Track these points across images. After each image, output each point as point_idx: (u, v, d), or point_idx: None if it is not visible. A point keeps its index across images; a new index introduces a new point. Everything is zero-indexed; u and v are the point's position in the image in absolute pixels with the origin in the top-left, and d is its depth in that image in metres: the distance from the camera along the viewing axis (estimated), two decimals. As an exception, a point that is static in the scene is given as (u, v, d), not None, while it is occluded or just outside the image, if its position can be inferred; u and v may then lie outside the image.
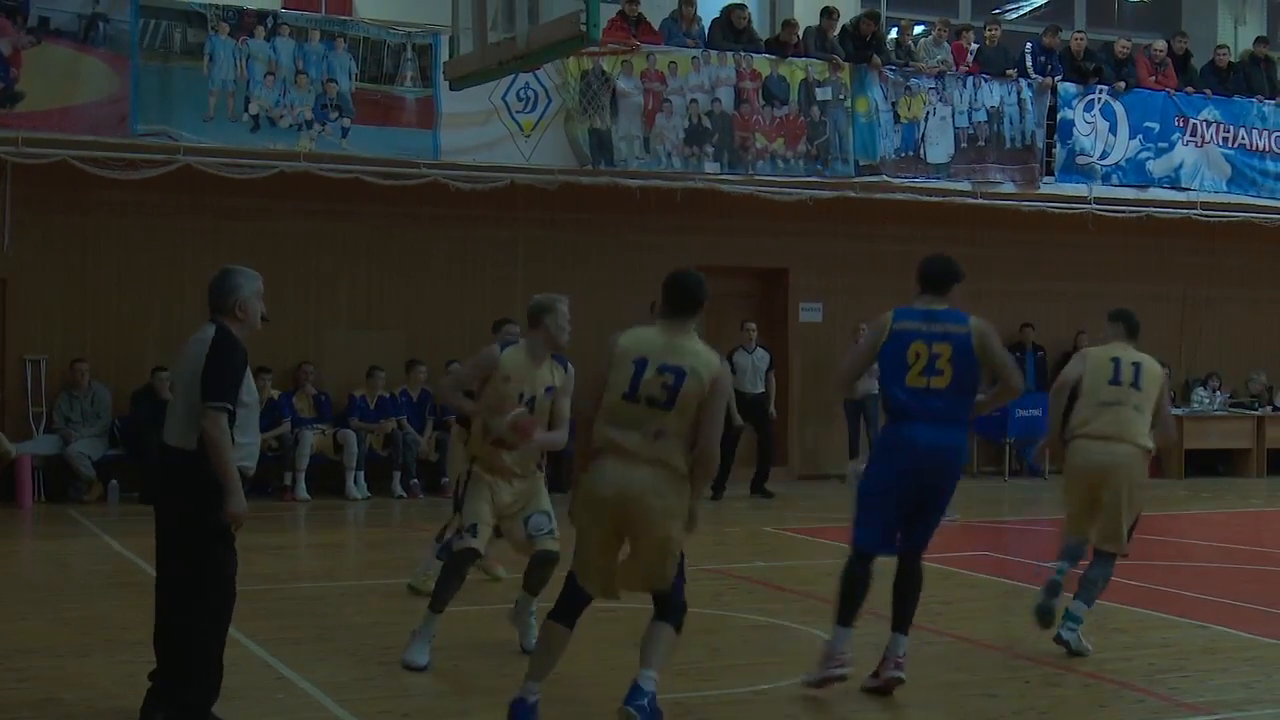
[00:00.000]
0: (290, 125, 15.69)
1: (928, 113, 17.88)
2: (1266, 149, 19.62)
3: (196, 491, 6.22)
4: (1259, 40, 21.13)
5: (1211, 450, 19.79)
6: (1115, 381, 8.72)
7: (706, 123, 17.09)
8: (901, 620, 7.50)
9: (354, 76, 15.94)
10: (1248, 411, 19.97)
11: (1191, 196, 19.18)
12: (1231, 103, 19.51)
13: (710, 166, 17.12)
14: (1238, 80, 19.91)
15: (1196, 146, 19.19)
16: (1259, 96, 19.72)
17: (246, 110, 15.51)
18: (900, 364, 7.57)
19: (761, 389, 16.83)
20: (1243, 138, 19.49)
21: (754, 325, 17.23)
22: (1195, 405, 19.68)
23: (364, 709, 6.89)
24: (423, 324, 16.96)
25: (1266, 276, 20.73)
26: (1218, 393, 19.89)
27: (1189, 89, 19.38)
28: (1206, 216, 19.29)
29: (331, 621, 9.26)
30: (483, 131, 16.26)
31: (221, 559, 6.36)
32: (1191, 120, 19.17)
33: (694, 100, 17.05)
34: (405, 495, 16.16)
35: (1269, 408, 20.08)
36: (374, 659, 8.00)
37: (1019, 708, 7.24)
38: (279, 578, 11.06)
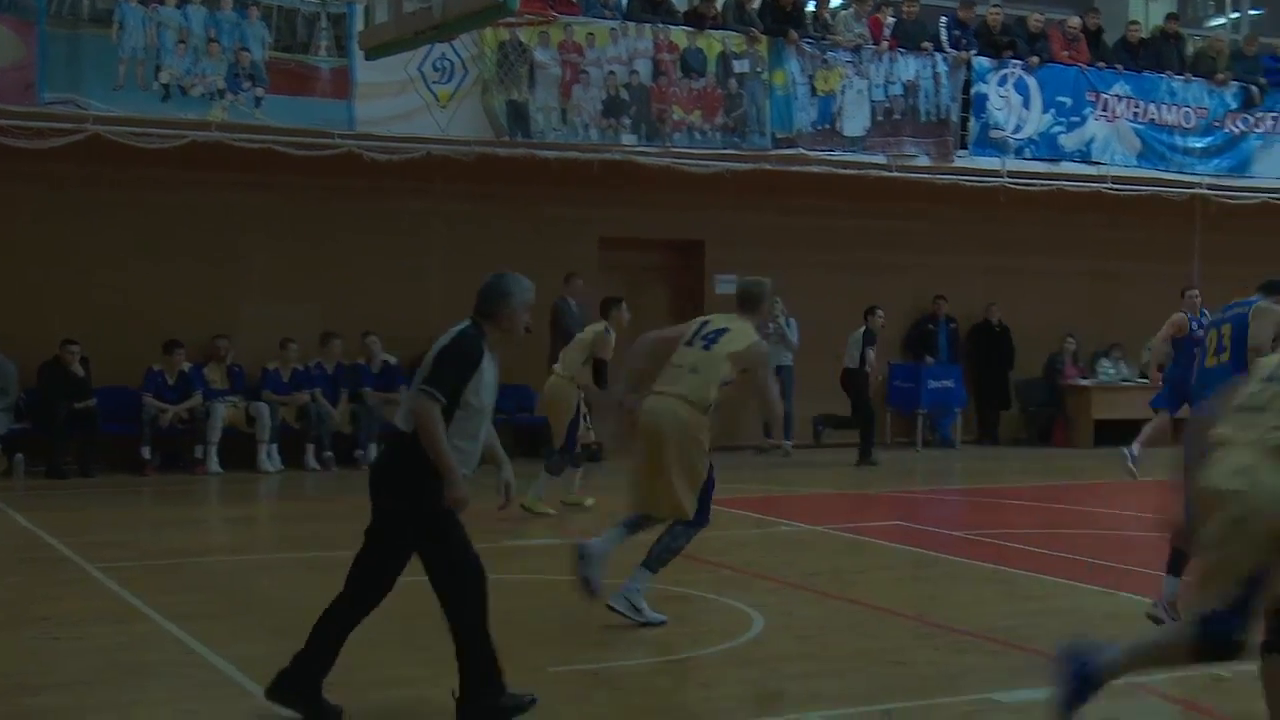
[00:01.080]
0: (202, 94, 15.49)
1: (844, 86, 17.97)
2: (1176, 124, 19.89)
3: (410, 474, 6.09)
4: (1169, 17, 21.44)
5: (1120, 420, 20.04)
6: None
7: (624, 95, 17.07)
8: None
9: (267, 45, 15.76)
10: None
11: (1102, 171, 19.44)
12: (1142, 78, 19.76)
13: (627, 139, 17.11)
14: (1148, 56, 20.17)
15: (1108, 121, 19.42)
16: (1169, 72, 19.98)
17: (157, 79, 15.29)
18: None
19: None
20: (1153, 113, 19.75)
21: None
22: (1102, 377, 19.97)
23: (276, 682, 6.84)
24: (338, 296, 16.83)
25: (1174, 250, 21.04)
26: (1121, 363, 20.19)
27: (1101, 64, 19.61)
28: (1117, 190, 19.56)
29: (245, 595, 9.20)
30: (398, 102, 16.14)
31: (463, 539, 6.18)
32: (1103, 95, 19.40)
33: (611, 72, 17.02)
34: (319, 468, 16.06)
35: (1176, 379, 20.44)
36: (289, 632, 7.94)
37: (929, 674, 7.33)
38: (191, 551, 10.97)
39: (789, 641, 7.97)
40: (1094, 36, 19.98)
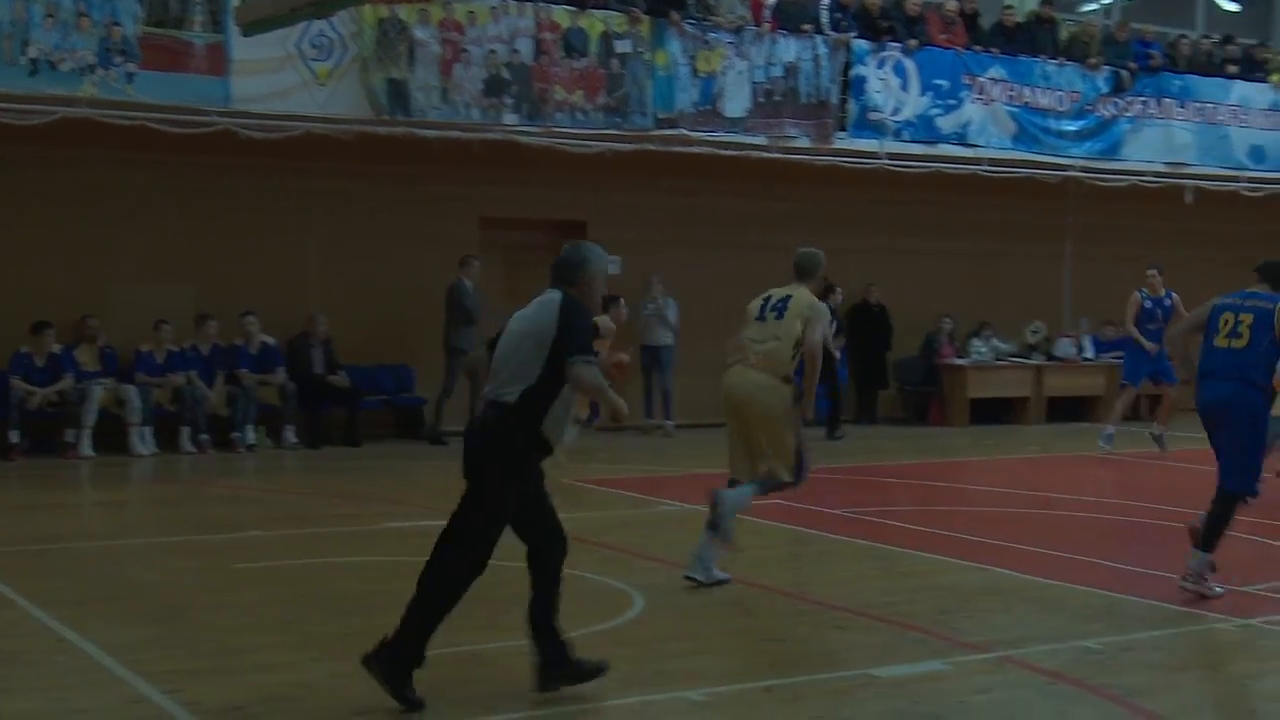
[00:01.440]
0: (72, 69, 15.12)
1: (725, 67, 18.02)
2: (1049, 108, 20.24)
3: (511, 442, 6.31)
4: (1044, 2, 21.74)
5: (994, 399, 20.45)
6: None
7: (505, 74, 16.97)
8: None
9: (140, 20, 15.41)
10: (1027, 361, 20.67)
11: (978, 153, 19.70)
12: (1017, 62, 20.06)
13: (509, 118, 17.02)
14: (1023, 40, 20.47)
15: (984, 104, 19.70)
16: (1043, 56, 20.30)
17: (24, 53, 14.89)
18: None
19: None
20: (1027, 96, 20.07)
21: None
22: (975, 356, 20.27)
23: (150, 669, 6.73)
24: (214, 277, 16.57)
25: (1048, 231, 21.44)
26: (993, 341, 20.51)
27: (977, 48, 19.87)
28: (992, 172, 19.84)
29: (116, 580, 9.03)
30: (276, 79, 15.89)
31: (502, 516, 6.37)
32: (979, 78, 19.67)
33: (493, 51, 16.91)
34: (195, 450, 15.82)
35: (1045, 357, 20.81)
36: (161, 618, 7.83)
37: (807, 651, 7.41)
38: (62, 536, 10.76)
39: (669, 621, 8.00)
40: (970, 20, 20.25)
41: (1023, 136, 19.99)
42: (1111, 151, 20.70)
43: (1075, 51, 20.78)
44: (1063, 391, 20.74)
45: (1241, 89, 21.66)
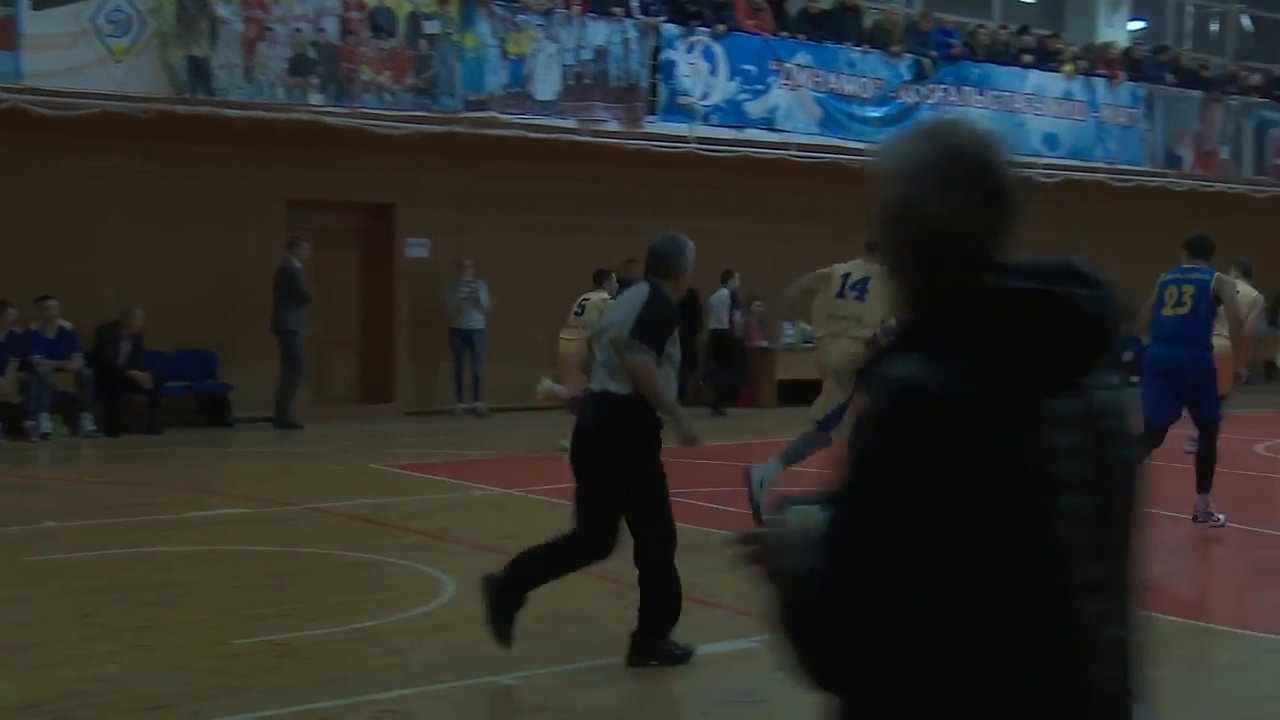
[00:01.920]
0: None
1: (535, 50, 17.95)
2: (854, 94, 20.58)
3: (630, 429, 6.58)
4: (848, -11, 22.13)
5: (801, 381, 20.68)
6: None
7: (311, 53, 16.66)
8: None
9: (-77, -9, 14.77)
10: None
11: (786, 138, 19.95)
12: (823, 48, 20.36)
13: (315, 98, 16.71)
14: (829, 27, 20.79)
15: (791, 90, 19.95)
16: (848, 44, 20.64)
17: None
18: None
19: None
20: (833, 82, 20.37)
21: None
22: (784, 339, 20.54)
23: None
24: (8, 260, 15.96)
25: (854, 215, 21.80)
26: (800, 324, 20.77)
27: (784, 34, 20.12)
28: (800, 157, 20.11)
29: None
30: (70, 55, 15.34)
31: (662, 487, 6.68)
32: (786, 64, 19.90)
33: (298, 30, 16.58)
34: (-14, 438, 15.27)
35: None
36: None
37: (619, 632, 7.42)
38: None
39: (481, 605, 7.95)
40: (777, 7, 20.50)
41: (829, 122, 20.30)
42: (914, 138, 21.16)
43: (879, 39, 21.17)
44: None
45: (1036, 78, 22.31)
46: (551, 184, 18.91)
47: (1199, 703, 6.56)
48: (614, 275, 15.51)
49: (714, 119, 19.23)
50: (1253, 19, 29.40)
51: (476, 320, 18.05)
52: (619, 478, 6.62)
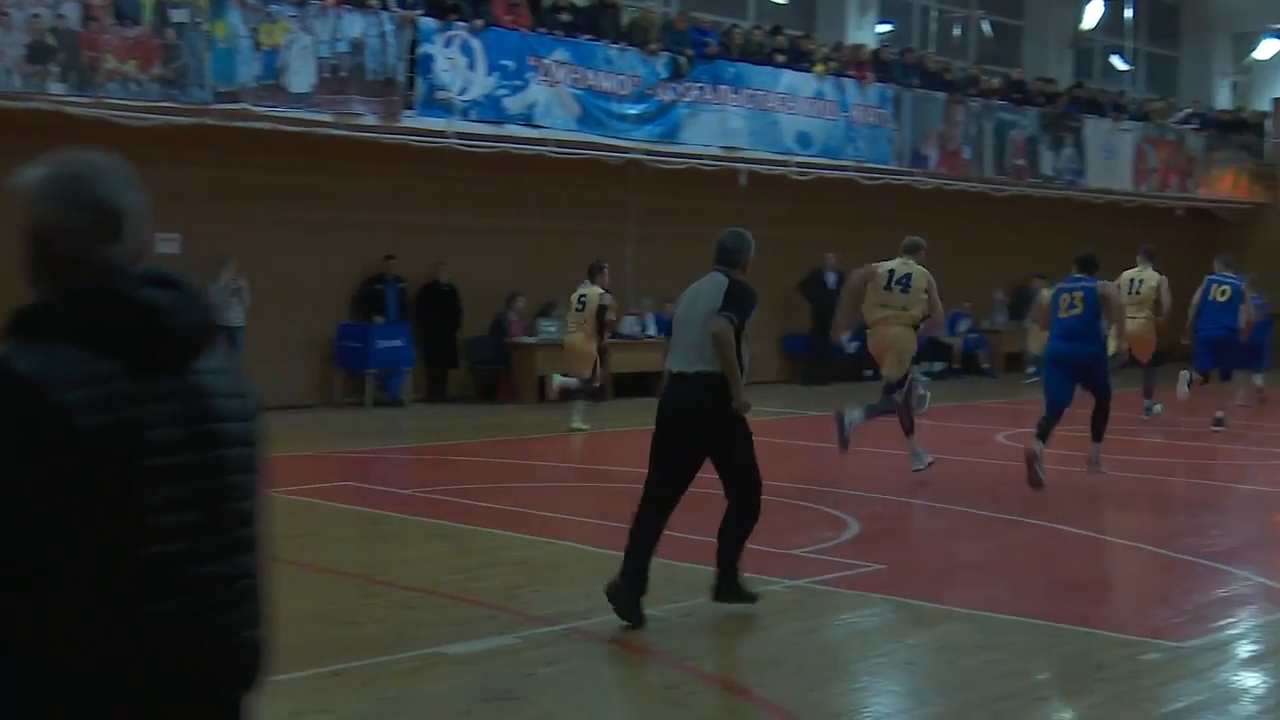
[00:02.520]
0: None
1: (289, 41, 17.55)
2: (612, 91, 20.69)
3: (722, 404, 7.46)
4: (607, -14, 22.24)
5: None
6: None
7: (51, 40, 16.00)
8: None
9: None
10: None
11: (544, 134, 19.94)
12: (581, 45, 20.41)
13: (56, 87, 16.05)
14: (586, 24, 20.86)
15: (549, 86, 19.95)
16: (605, 41, 20.75)
17: None
18: None
19: None
20: (591, 79, 20.45)
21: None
22: (543, 335, 20.51)
23: None
24: None
25: (611, 211, 21.97)
26: (561, 320, 20.86)
27: (542, 30, 20.12)
28: (558, 154, 20.14)
29: None
30: None
31: (752, 446, 7.71)
32: (544, 60, 19.89)
33: (36, 15, 15.90)
34: None
35: (610, 335, 21.27)
36: None
37: (377, 633, 7.35)
38: None
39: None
40: (534, 2, 20.48)
41: (587, 119, 20.37)
42: (670, 135, 21.37)
43: (636, 37, 21.34)
44: (628, 368, 21.29)
45: (789, 78, 22.78)
46: (308, 178, 18.58)
47: (948, 684, 6.80)
48: (605, 268, 16.79)
49: (472, 114, 19.10)
50: (992, 24, 30.61)
51: (237, 317, 17.63)
52: (719, 444, 7.57)
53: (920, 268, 12.89)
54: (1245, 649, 7.56)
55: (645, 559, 7.55)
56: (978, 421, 16.48)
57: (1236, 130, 32.00)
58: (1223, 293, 17.27)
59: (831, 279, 22.17)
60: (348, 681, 6.50)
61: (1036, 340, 25.14)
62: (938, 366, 24.33)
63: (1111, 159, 28.22)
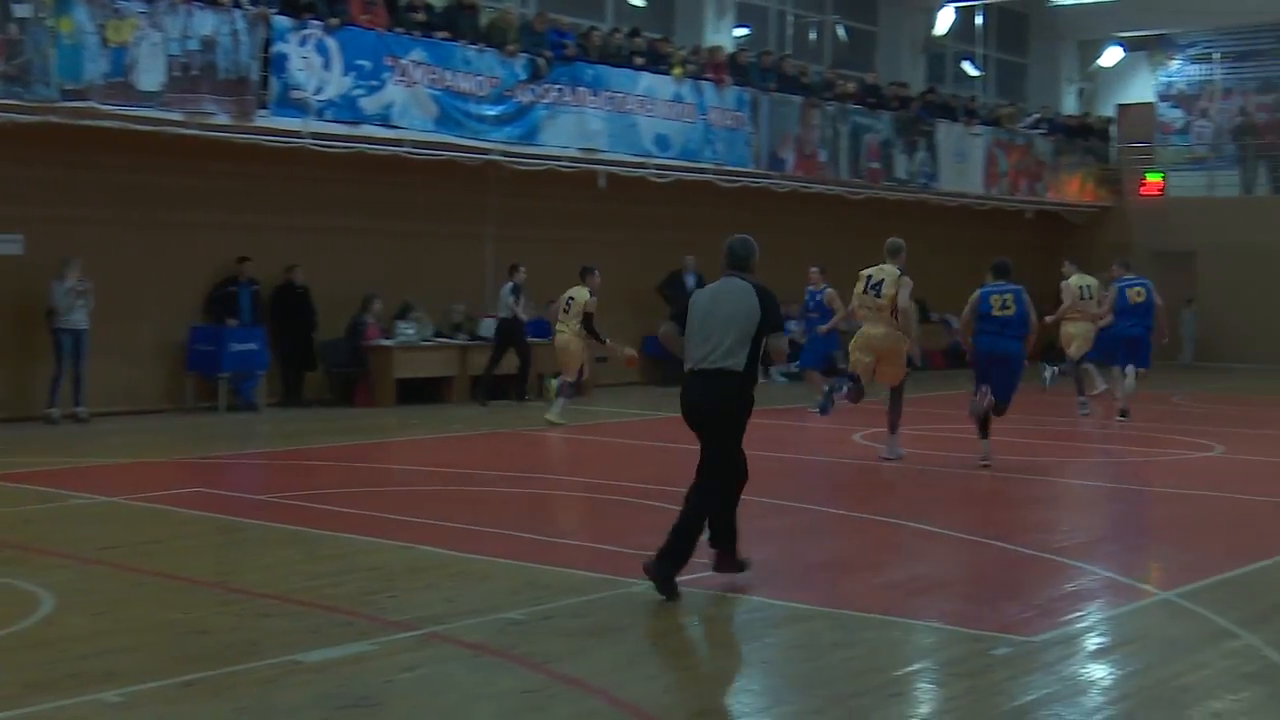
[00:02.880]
0: None
1: (138, 38, 17.14)
2: (471, 92, 20.55)
3: (743, 400, 8.39)
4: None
5: (420, 379, 20.67)
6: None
7: (-113, 35, 15.47)
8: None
9: None
10: (452, 341, 21.02)
11: (401, 135, 19.73)
12: (439, 45, 20.25)
13: (-108, 83, 15.53)
14: (444, 24, 20.69)
15: (406, 86, 19.75)
16: (463, 41, 20.60)
17: None
18: None
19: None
20: (449, 80, 20.28)
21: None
22: (401, 337, 20.37)
23: None
24: None
25: (470, 212, 21.85)
26: (419, 323, 20.71)
27: (399, 29, 19.90)
28: (416, 155, 19.95)
29: None
30: None
31: (738, 446, 8.56)
32: (402, 60, 19.69)
33: None
34: None
35: (469, 337, 21.22)
36: None
37: (231, 641, 7.21)
38: None
39: (83, 620, 7.60)
40: (391, 2, 20.27)
41: (445, 120, 20.20)
42: (529, 136, 21.30)
43: (494, 38, 21.23)
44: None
45: (648, 80, 22.85)
46: (158, 178, 18.21)
47: (804, 682, 6.85)
48: (596, 271, 17.70)
49: (328, 114, 18.84)
50: (847, 29, 31.02)
51: (83, 320, 17.18)
52: (720, 426, 8.38)
53: (893, 270, 14.06)
54: (1093, 642, 7.72)
55: (729, 524, 8.58)
56: (835, 421, 16.66)
57: (1083, 135, 32.88)
58: (1139, 294, 18.29)
59: (691, 281, 22.23)
60: (200, 692, 6.37)
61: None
62: (794, 367, 24.54)
63: (963, 163, 28.79)
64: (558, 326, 17.77)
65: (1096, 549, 10.44)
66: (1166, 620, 8.20)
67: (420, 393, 20.63)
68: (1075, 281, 19.69)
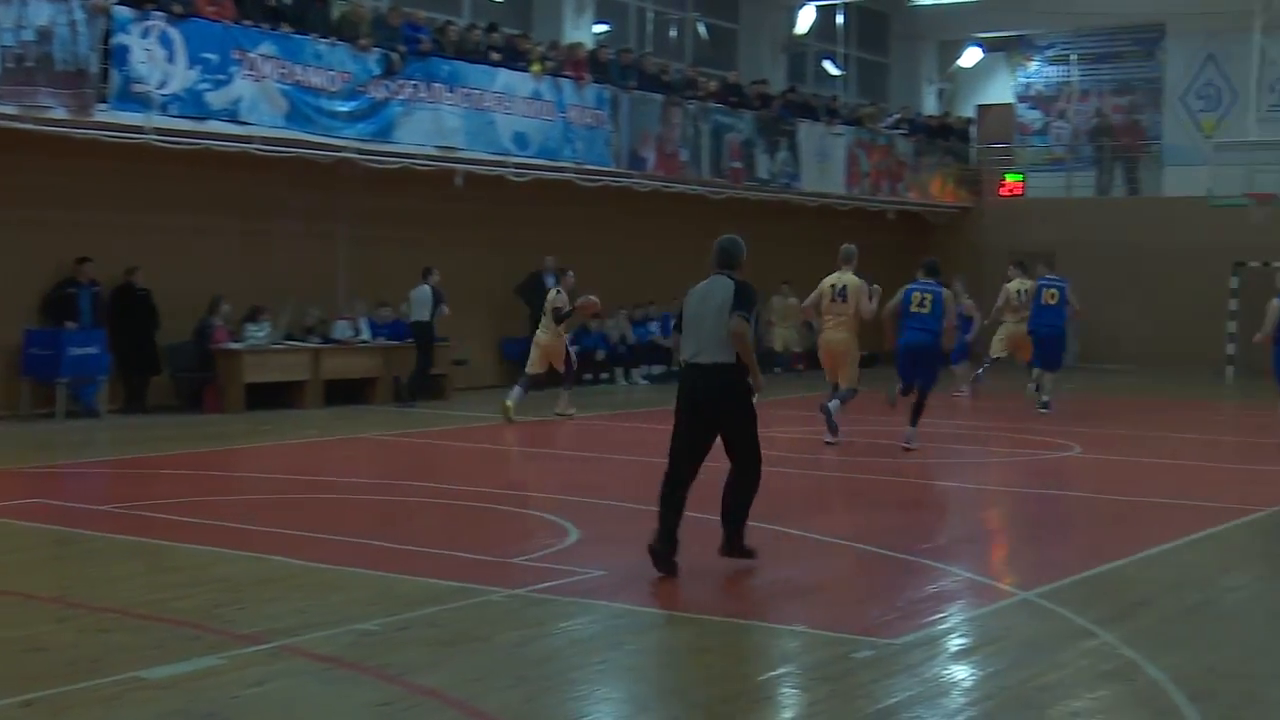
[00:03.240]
0: None
1: (-28, 30, 16.48)
2: (322, 87, 20.09)
3: (738, 391, 8.94)
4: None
5: (271, 383, 20.13)
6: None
7: None
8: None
9: None
10: (304, 344, 20.52)
11: (250, 130, 19.20)
12: (289, 39, 19.76)
13: None
14: (293, 17, 20.18)
15: (255, 81, 19.25)
16: (314, 35, 20.15)
17: None
18: None
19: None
20: (300, 75, 19.81)
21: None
22: (250, 340, 19.84)
23: None
24: None
25: (322, 211, 21.42)
26: (269, 325, 20.17)
27: (247, 22, 19.39)
28: (265, 151, 19.45)
29: None
30: None
31: (757, 433, 9.15)
32: (250, 54, 19.18)
33: None
34: None
35: (321, 340, 20.76)
36: None
37: (71, 658, 6.91)
38: None
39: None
40: (238, -5, 19.72)
41: (295, 116, 19.71)
42: (384, 134, 20.89)
43: (346, 32, 20.80)
44: (341, 374, 20.79)
45: (506, 77, 22.56)
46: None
47: (668, 689, 6.74)
48: (570, 273, 18.86)
49: (172, 109, 18.26)
50: (708, 27, 31.07)
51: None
52: (730, 423, 8.96)
53: (854, 279, 15.45)
54: (954, 643, 7.72)
55: (674, 522, 8.94)
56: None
57: (943, 135, 33.32)
58: (1052, 296, 19.54)
59: (550, 281, 21.98)
60: (39, 712, 6.09)
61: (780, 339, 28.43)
62: (657, 370, 24.47)
63: (825, 162, 28.95)
64: (540, 327, 18.79)
65: (957, 550, 10.49)
66: (1027, 620, 8.23)
67: (272, 398, 20.08)
68: (1014, 286, 21.08)
